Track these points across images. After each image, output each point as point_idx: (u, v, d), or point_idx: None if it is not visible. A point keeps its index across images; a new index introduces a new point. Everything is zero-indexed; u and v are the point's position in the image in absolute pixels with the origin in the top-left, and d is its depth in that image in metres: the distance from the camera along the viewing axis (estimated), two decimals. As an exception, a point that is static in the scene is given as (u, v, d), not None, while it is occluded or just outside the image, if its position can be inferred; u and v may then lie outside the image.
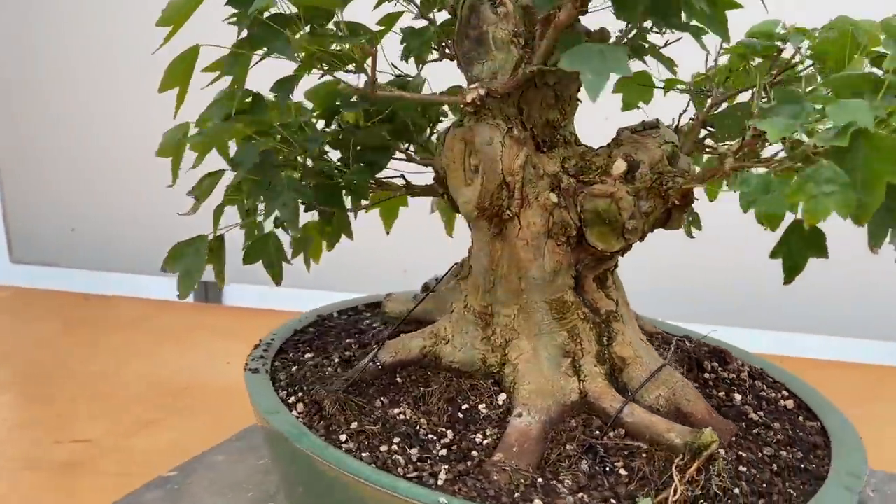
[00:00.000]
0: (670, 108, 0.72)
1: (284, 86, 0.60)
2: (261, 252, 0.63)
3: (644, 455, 0.58)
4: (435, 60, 0.65)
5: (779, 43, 0.63)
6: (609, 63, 0.46)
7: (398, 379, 0.69)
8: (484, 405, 0.65)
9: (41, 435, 0.97)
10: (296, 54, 0.54)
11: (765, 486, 0.58)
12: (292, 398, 0.69)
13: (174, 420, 1.01)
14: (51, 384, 1.11)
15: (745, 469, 0.59)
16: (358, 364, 0.71)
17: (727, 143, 0.56)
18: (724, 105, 0.64)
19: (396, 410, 0.66)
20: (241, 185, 0.59)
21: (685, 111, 0.67)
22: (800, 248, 0.51)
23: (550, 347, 0.64)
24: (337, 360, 0.77)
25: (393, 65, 0.64)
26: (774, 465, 0.61)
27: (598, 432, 0.61)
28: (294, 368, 0.75)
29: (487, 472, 0.57)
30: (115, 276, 1.57)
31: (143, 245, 1.53)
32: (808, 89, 0.54)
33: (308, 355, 0.79)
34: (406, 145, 0.70)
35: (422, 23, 0.64)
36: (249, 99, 0.61)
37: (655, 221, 0.62)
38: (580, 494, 0.55)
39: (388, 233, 0.79)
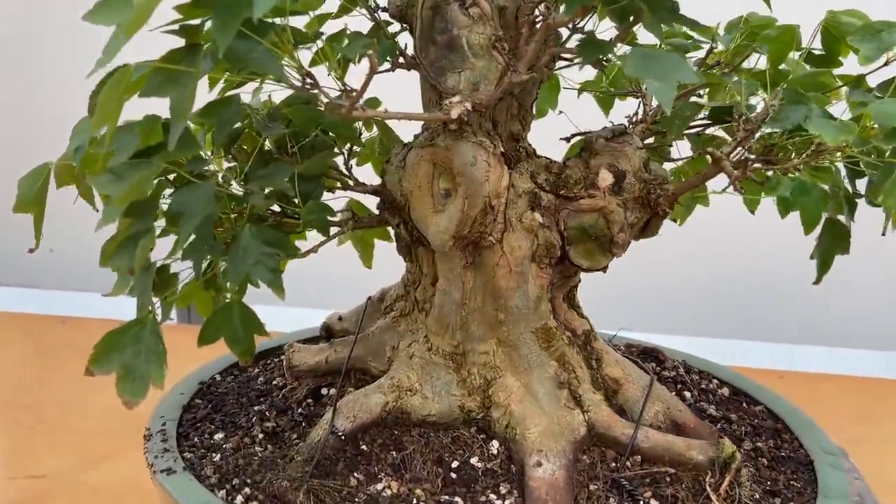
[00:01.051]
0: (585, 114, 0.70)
1: (219, 110, 0.46)
2: (222, 327, 0.48)
3: (668, 479, 0.55)
4: (386, 71, 0.55)
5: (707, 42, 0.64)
6: (673, 69, 0.42)
7: (363, 447, 0.59)
8: (476, 458, 0.58)
9: None
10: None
11: (769, 483, 0.59)
12: (239, 498, 0.55)
13: (135, 453, 0.86)
14: (12, 414, 1.06)
15: (748, 469, 0.59)
16: (311, 438, 0.58)
17: (723, 148, 0.54)
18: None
19: (379, 487, 0.55)
20: (182, 244, 0.44)
21: (636, 114, 0.64)
22: (830, 247, 0.52)
23: (545, 381, 0.58)
24: (261, 435, 0.64)
25: (340, 80, 0.53)
26: (762, 458, 0.62)
27: (614, 464, 0.57)
28: (216, 457, 0.60)
29: (533, 539, 0.50)
30: (96, 297, 1.36)
31: None
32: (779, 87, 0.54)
33: (219, 436, 0.64)
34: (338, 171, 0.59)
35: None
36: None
37: (636, 231, 0.59)
38: (630, 539, 0.51)
39: (369, 267, 0.68)
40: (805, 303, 1.29)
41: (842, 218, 0.56)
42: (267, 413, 0.67)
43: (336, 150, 0.60)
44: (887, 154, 0.45)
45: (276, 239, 0.46)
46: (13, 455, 0.95)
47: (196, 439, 0.64)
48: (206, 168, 0.47)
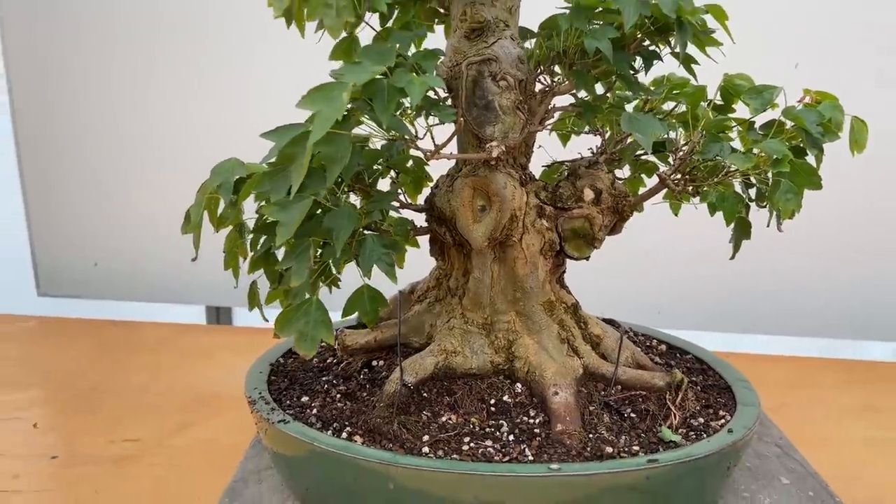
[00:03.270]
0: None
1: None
2: (356, 304, 0.69)
3: (641, 399, 0.81)
4: (438, 124, 0.78)
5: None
6: (650, 127, 0.67)
7: (424, 394, 0.81)
8: (506, 396, 0.81)
9: (95, 437, 1.12)
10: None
11: (704, 400, 0.85)
12: (343, 434, 0.76)
13: (206, 422, 1.18)
14: (96, 397, 1.27)
15: (691, 394, 0.85)
16: (386, 390, 0.80)
17: (665, 171, 0.80)
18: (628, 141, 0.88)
19: (443, 419, 0.78)
20: (338, 251, 0.65)
21: (601, 148, 0.90)
22: (740, 235, 0.78)
23: (552, 339, 0.82)
24: (338, 395, 0.84)
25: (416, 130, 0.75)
26: (697, 386, 0.88)
27: (604, 392, 0.81)
28: (312, 411, 0.81)
29: (560, 440, 0.74)
30: (134, 305, 1.83)
31: (158, 277, 1.77)
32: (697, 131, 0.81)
33: (305, 399, 0.84)
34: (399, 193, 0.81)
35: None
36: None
37: (608, 230, 0.84)
38: (622, 438, 0.76)
39: (402, 267, 0.89)
40: (752, 298, 1.60)
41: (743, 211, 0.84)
42: (335, 381, 0.88)
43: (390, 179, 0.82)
44: (773, 174, 0.71)
45: (390, 243, 0.68)
46: (108, 425, 1.16)
47: (288, 402, 0.84)
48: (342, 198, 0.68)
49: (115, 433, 1.13)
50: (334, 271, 0.68)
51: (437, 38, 0.87)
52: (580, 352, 0.83)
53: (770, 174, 0.71)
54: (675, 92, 0.89)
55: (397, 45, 0.64)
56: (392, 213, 0.75)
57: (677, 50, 0.69)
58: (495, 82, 0.76)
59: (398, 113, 0.68)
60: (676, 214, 0.93)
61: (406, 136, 0.63)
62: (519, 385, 0.82)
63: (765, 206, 0.80)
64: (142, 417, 1.18)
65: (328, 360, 0.94)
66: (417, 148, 0.69)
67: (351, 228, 0.65)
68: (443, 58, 0.79)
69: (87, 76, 1.71)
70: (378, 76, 0.59)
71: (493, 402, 0.80)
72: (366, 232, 0.69)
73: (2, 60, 1.73)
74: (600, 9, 0.70)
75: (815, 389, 1.35)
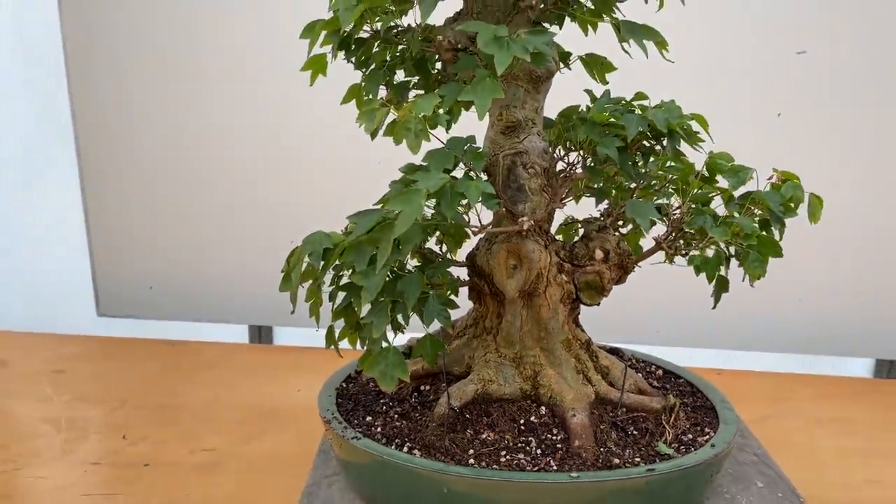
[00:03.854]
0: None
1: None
2: (421, 348, 0.89)
3: (642, 419, 1.00)
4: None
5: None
6: (648, 213, 0.87)
7: (467, 416, 1.01)
8: (533, 417, 1.00)
9: (177, 448, 1.30)
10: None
11: (693, 418, 1.05)
12: (405, 448, 0.95)
13: (272, 434, 1.37)
14: (169, 411, 1.45)
15: (682, 412, 1.05)
16: (437, 412, 0.99)
17: (660, 235, 0.99)
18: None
19: (483, 436, 0.97)
20: (409, 311, 0.85)
21: (608, 212, 1.09)
22: (719, 289, 0.98)
23: (569, 370, 1.02)
24: (395, 416, 1.04)
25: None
26: (688, 407, 1.08)
27: (611, 414, 1.01)
28: (378, 429, 1.00)
29: (578, 453, 0.93)
30: (183, 324, 2.02)
31: (206, 298, 1.98)
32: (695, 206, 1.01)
33: (369, 418, 1.04)
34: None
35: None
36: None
37: (614, 282, 1.04)
38: (626, 451, 0.95)
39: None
40: (740, 318, 1.80)
41: (723, 270, 1.03)
42: (391, 403, 1.08)
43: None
44: (745, 245, 0.91)
45: (446, 301, 0.88)
46: (185, 437, 1.35)
47: (356, 421, 1.03)
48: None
49: (193, 444, 1.33)
50: (403, 323, 0.88)
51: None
52: (592, 381, 1.03)
53: (743, 244, 0.91)
54: (669, 165, 1.09)
55: (453, 152, 0.84)
56: (448, 274, 0.95)
57: (668, 151, 0.89)
58: (525, 170, 0.95)
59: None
60: (671, 263, 1.12)
61: (464, 224, 0.83)
62: (543, 408, 1.01)
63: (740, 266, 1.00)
64: (214, 429, 1.38)
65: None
66: (469, 227, 0.89)
67: (419, 291, 0.85)
68: (483, 148, 0.98)
69: (147, 107, 1.89)
70: (446, 183, 0.79)
71: (522, 422, 1.00)
72: (430, 292, 0.89)
73: (67, 91, 1.91)
74: (611, 121, 0.90)
75: (794, 403, 1.55)
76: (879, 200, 1.72)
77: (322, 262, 0.90)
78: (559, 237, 1.09)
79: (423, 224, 0.86)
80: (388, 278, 0.87)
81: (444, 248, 1.10)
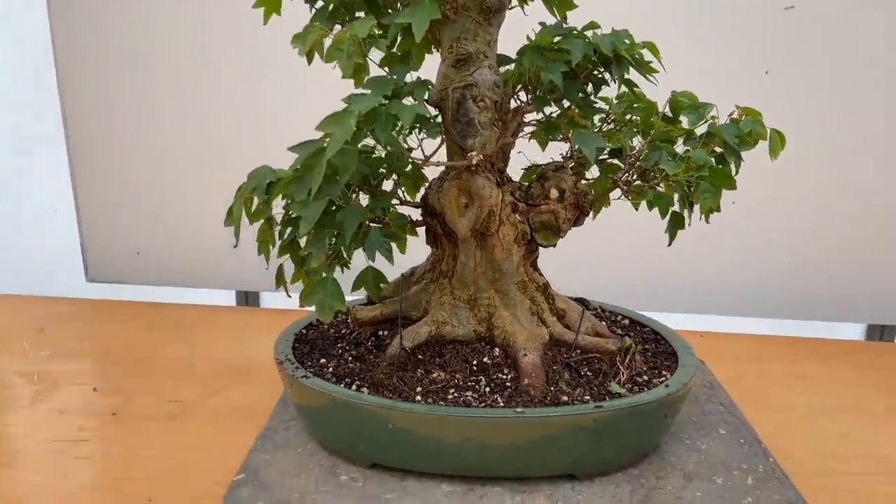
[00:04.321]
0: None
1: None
2: (362, 281, 0.88)
3: (596, 361, 0.99)
4: (428, 137, 0.96)
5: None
6: (593, 142, 0.85)
7: (419, 356, 0.99)
8: (486, 358, 0.99)
9: (146, 398, 1.33)
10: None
11: (652, 362, 1.03)
12: (353, 386, 0.94)
13: (240, 387, 1.39)
14: (145, 367, 1.48)
15: (639, 356, 1.03)
16: (389, 352, 0.98)
17: (618, 174, 0.97)
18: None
19: (434, 375, 0.96)
20: (349, 241, 0.84)
21: (569, 153, 1.07)
22: (674, 226, 0.96)
23: (524, 312, 1.01)
24: (350, 358, 1.03)
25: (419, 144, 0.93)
26: (648, 352, 1.06)
27: (565, 355, 0.99)
28: (329, 370, 0.99)
29: (527, 391, 0.92)
30: (173, 289, 2.05)
31: (193, 264, 2.00)
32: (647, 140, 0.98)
33: (323, 360, 1.03)
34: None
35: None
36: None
37: (571, 223, 1.02)
38: (577, 390, 0.93)
39: (404, 252, 1.07)
40: (727, 284, 1.77)
41: (677, 206, 1.01)
42: (347, 347, 1.07)
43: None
44: (696, 177, 0.89)
45: (389, 233, 0.86)
46: (155, 390, 1.36)
47: (309, 363, 1.03)
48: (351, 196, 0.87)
49: (163, 395, 1.33)
50: (345, 255, 0.87)
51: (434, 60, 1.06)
52: (547, 322, 1.01)
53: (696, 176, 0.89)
54: (634, 106, 1.07)
55: (395, 78, 0.82)
56: (394, 209, 0.94)
57: (617, 78, 0.87)
58: (475, 103, 0.94)
59: (398, 130, 0.86)
60: (637, 209, 1.10)
61: (401, 149, 0.81)
62: (497, 349, 1.00)
63: (686, 206, 0.97)
64: (185, 383, 1.38)
65: (343, 331, 1.13)
66: (411, 158, 0.87)
67: (357, 222, 0.83)
68: (434, 82, 0.97)
69: (132, 77, 1.90)
70: (379, 105, 0.77)
71: (475, 362, 0.98)
72: (371, 225, 0.87)
73: (54, 66, 1.92)
74: (555, 48, 0.88)
75: (773, 363, 1.52)
76: (868, 160, 1.68)
77: (265, 196, 0.89)
78: (516, 181, 1.07)
79: (359, 150, 0.84)
80: (331, 210, 0.86)
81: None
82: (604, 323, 1.12)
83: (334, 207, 0.86)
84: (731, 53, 1.65)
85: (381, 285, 0.92)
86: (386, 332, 1.09)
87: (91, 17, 1.87)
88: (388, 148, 0.80)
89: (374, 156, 0.95)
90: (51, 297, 1.93)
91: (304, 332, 1.14)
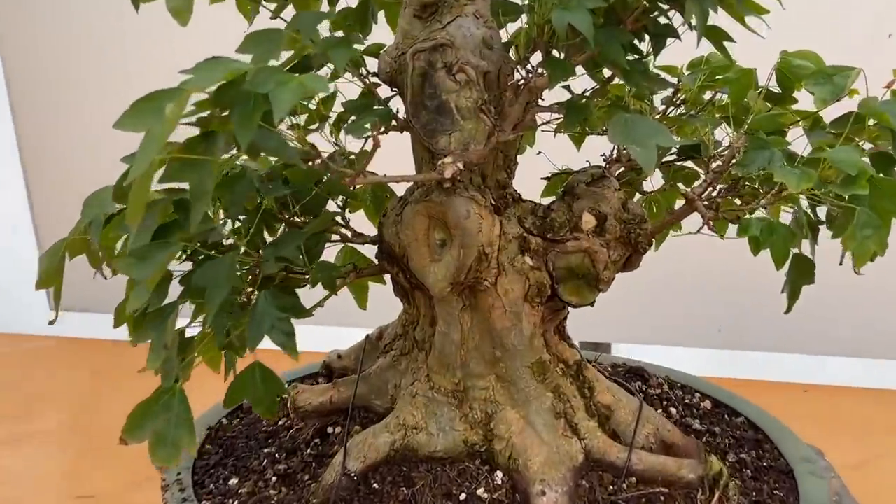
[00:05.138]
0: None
1: (234, 186, 0.50)
2: (246, 388, 0.51)
3: (663, 498, 0.60)
4: (380, 133, 0.59)
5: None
6: (652, 134, 0.46)
7: (375, 485, 0.62)
8: (482, 489, 0.61)
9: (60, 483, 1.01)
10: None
11: (754, 493, 0.63)
12: (260, 545, 0.58)
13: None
14: (66, 435, 1.17)
15: (733, 481, 0.63)
16: (325, 480, 0.62)
17: (694, 187, 0.58)
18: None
19: (394, 522, 0.59)
20: (211, 315, 0.47)
21: (612, 154, 0.69)
22: (798, 280, 0.56)
23: (542, 412, 0.62)
24: (274, 478, 0.66)
25: (336, 143, 0.56)
26: (746, 469, 0.67)
27: (612, 487, 0.61)
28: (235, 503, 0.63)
29: (542, 564, 0.54)
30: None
31: None
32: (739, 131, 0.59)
33: (233, 481, 0.67)
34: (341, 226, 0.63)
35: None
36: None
37: (619, 267, 0.63)
38: (631, 557, 0.55)
39: (364, 308, 0.71)
40: (833, 315, 1.31)
41: (806, 245, 0.61)
42: (277, 455, 0.70)
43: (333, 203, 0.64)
44: (843, 197, 0.49)
45: (288, 304, 0.49)
46: (66, 477, 1.05)
47: (212, 486, 0.67)
48: (223, 239, 0.50)
49: (71, 487, 1.00)
50: (223, 339, 0.50)
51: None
52: (581, 430, 0.62)
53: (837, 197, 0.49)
54: (716, 78, 0.68)
55: (284, 31, 0.45)
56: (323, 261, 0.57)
57: (694, 22, 0.47)
58: (450, 76, 0.56)
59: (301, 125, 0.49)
60: (722, 237, 0.71)
61: (290, 157, 0.44)
62: (499, 474, 0.62)
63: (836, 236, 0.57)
64: (107, 464, 1.04)
65: (280, 422, 0.76)
66: (329, 168, 0.50)
67: (228, 286, 0.46)
68: (388, 46, 0.59)
69: (93, 88, 1.60)
70: (236, 77, 0.40)
71: (462, 497, 0.61)
72: (262, 289, 0.50)
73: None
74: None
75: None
76: None
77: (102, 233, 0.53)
78: (533, 200, 0.68)
79: (231, 168, 0.47)
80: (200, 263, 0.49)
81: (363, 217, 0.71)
82: (672, 420, 0.73)
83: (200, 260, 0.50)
84: (843, 13, 1.22)
85: (278, 395, 0.54)
86: (338, 430, 0.72)
87: (40, 32, 1.57)
88: (254, 153, 0.43)
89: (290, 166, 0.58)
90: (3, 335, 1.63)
91: (224, 422, 0.78)
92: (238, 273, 0.53)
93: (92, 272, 0.58)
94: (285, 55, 0.50)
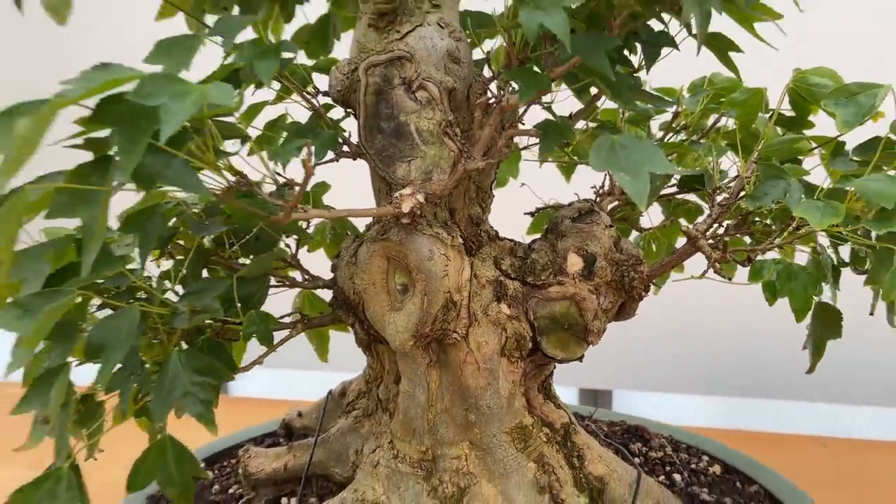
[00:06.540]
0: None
1: (143, 222, 0.41)
2: (155, 468, 0.42)
3: (665, 591, 0.50)
4: (329, 161, 0.51)
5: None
6: (644, 160, 0.38)
7: (327, 573, 0.53)
8: (453, 580, 0.52)
9: None
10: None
11: (774, 582, 0.54)
12: None
13: None
14: None
15: (749, 569, 0.54)
16: (267, 567, 0.53)
17: (697, 223, 0.50)
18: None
19: None
20: (106, 377, 0.39)
21: (602, 185, 0.60)
22: (823, 333, 0.48)
23: (523, 487, 0.53)
24: (215, 560, 0.57)
25: (277, 173, 0.48)
26: (764, 552, 0.57)
27: (605, 577, 0.51)
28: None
29: None
30: None
31: None
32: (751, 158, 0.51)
33: (168, 563, 0.58)
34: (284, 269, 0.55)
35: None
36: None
37: (611, 316, 0.55)
38: None
39: (325, 360, 0.63)
40: (848, 358, 1.20)
41: (827, 290, 0.52)
42: (222, 531, 0.61)
43: (282, 241, 0.56)
44: (878, 234, 0.41)
45: (207, 366, 0.41)
46: None
47: (143, 570, 0.58)
48: (130, 284, 0.42)
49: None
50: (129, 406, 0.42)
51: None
52: (569, 508, 0.53)
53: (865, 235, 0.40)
54: (721, 100, 0.60)
55: (196, 35, 0.37)
56: (254, 311, 0.48)
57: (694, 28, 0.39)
58: (410, 94, 0.48)
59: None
60: (730, 280, 0.62)
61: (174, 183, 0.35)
62: (473, 560, 0.53)
63: (864, 274, 0.49)
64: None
65: (230, 489, 0.67)
66: (265, 202, 0.42)
67: (128, 343, 0.38)
68: (341, 61, 0.52)
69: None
70: (119, 86, 0.32)
71: (430, 589, 0.51)
72: (177, 348, 0.42)
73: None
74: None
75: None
76: None
77: None
78: (513, 239, 0.60)
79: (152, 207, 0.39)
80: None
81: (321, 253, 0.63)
82: (676, 489, 0.63)
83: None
84: (864, 27, 1.14)
85: (193, 476, 0.45)
86: (292, 502, 0.63)
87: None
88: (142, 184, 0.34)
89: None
90: None
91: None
92: (157, 326, 0.45)
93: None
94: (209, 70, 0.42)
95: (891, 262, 0.40)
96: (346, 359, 0.75)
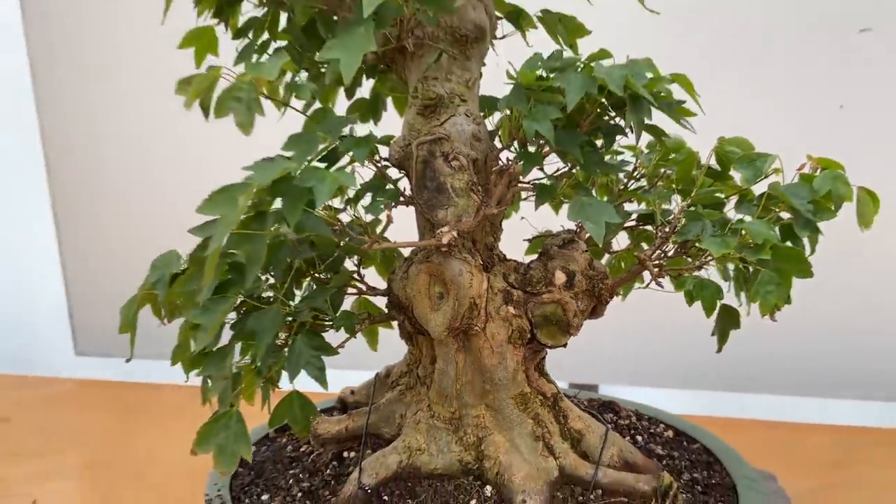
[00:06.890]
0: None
1: (276, 253, 0.63)
2: (286, 412, 0.64)
3: (623, 506, 0.72)
4: (391, 209, 0.73)
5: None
6: (602, 213, 0.60)
7: (385, 497, 0.75)
8: (474, 501, 0.74)
9: None
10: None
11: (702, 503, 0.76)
12: (294, 544, 0.70)
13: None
14: (97, 471, 1.28)
15: (684, 495, 0.76)
16: (343, 493, 0.74)
17: (646, 250, 0.72)
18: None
19: (401, 527, 0.71)
20: (260, 355, 0.61)
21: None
22: (726, 325, 0.70)
23: (524, 436, 0.75)
24: (299, 494, 0.79)
25: (356, 215, 0.70)
26: (697, 486, 0.79)
27: (581, 498, 0.73)
28: (269, 513, 0.76)
29: (522, 559, 0.66)
30: (164, 363, 1.69)
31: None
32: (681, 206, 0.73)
33: (265, 497, 0.79)
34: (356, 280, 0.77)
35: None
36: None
37: (586, 315, 0.77)
38: (596, 554, 0.67)
39: (375, 349, 0.84)
40: (797, 356, 1.45)
41: (743, 295, 0.75)
42: (301, 476, 0.83)
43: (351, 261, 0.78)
44: (754, 259, 0.63)
45: (320, 345, 0.63)
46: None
47: (247, 501, 0.79)
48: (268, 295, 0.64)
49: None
50: (263, 374, 0.64)
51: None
52: (556, 451, 0.75)
53: (750, 260, 0.62)
54: (671, 157, 0.82)
55: (320, 134, 0.60)
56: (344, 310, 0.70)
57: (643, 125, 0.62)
58: (447, 163, 0.70)
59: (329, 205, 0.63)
60: (678, 289, 0.84)
61: (325, 234, 0.58)
62: (489, 488, 0.74)
63: (744, 294, 0.71)
64: (139, 497, 1.15)
65: (301, 449, 0.89)
66: (352, 238, 0.64)
67: (274, 331, 0.60)
68: (397, 137, 0.74)
69: (123, 133, 1.74)
70: (287, 174, 0.54)
71: (458, 507, 0.73)
72: (297, 334, 0.64)
73: (37, 120, 1.78)
74: (544, 87, 0.64)
75: (865, 466, 1.21)
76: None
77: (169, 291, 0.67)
78: (516, 259, 0.82)
79: (276, 234, 0.61)
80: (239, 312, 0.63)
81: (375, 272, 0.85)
82: (637, 446, 0.85)
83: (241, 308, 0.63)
84: (796, 86, 1.38)
85: (311, 417, 0.68)
86: (353, 455, 0.84)
87: (77, 90, 1.73)
88: (304, 233, 0.57)
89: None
90: (25, 377, 1.74)
91: (253, 449, 0.90)
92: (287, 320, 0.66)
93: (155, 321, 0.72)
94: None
95: (756, 278, 0.62)
96: (351, 358, 0.96)
